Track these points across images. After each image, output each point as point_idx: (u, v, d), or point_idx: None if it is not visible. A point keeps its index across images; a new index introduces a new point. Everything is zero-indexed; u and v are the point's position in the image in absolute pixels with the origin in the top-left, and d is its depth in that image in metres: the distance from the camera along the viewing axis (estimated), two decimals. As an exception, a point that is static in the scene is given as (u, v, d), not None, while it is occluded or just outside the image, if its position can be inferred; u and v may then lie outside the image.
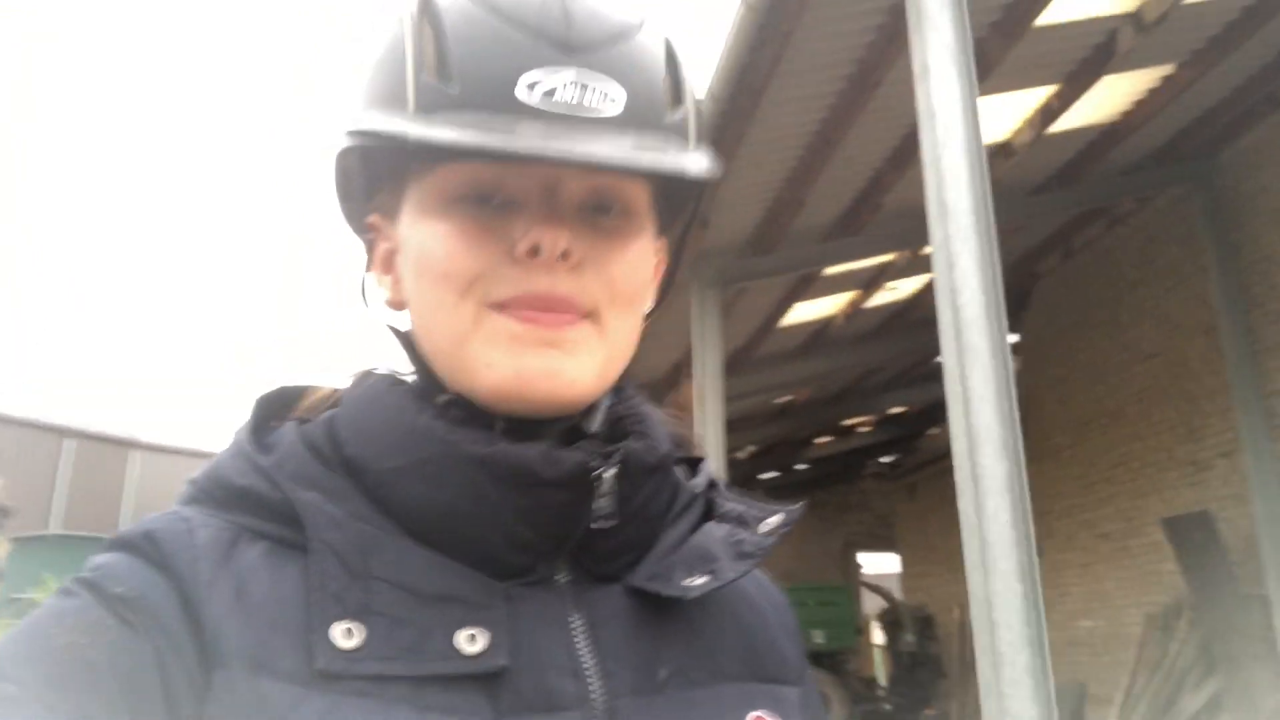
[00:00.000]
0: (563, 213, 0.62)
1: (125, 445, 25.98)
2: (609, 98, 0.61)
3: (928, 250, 3.99)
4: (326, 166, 0.70)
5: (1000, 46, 6.40)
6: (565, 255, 0.61)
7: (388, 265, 0.70)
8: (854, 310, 11.21)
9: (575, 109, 0.59)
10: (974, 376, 3.84)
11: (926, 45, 4.22)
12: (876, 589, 16.86)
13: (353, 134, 0.64)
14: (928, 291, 11.17)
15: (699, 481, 0.73)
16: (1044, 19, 6.28)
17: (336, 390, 0.71)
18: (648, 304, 0.71)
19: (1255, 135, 9.08)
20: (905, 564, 18.78)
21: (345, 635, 0.55)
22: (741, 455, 17.61)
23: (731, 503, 0.73)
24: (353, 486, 0.61)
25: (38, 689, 0.50)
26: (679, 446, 0.74)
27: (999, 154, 8.17)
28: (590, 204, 0.64)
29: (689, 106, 0.67)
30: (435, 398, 0.65)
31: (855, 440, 18.64)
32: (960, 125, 4.08)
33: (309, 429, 0.66)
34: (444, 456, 0.61)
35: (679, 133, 0.64)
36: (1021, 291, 12.59)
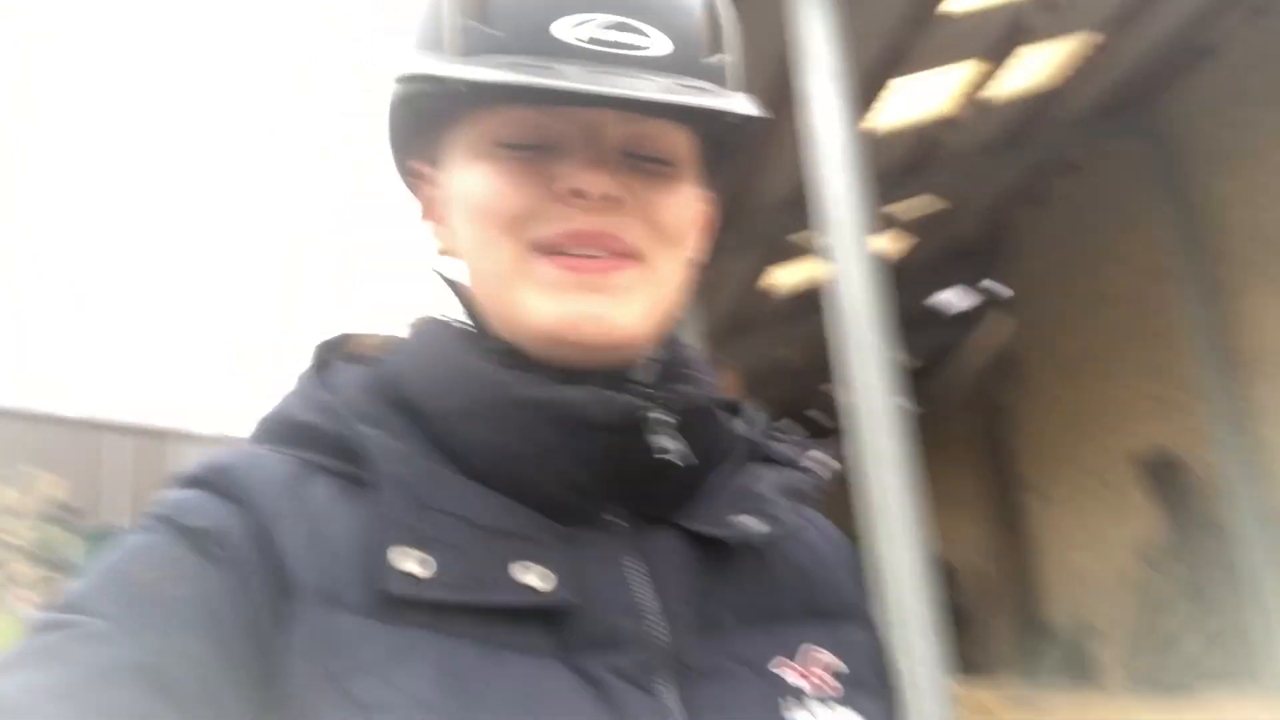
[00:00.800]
0: (605, 156, 0.62)
1: (180, 438, 26.76)
2: (649, 38, 0.61)
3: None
4: (382, 117, 0.71)
5: (913, 33, 6.82)
6: (607, 198, 0.61)
7: (438, 214, 0.70)
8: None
9: (615, 48, 0.60)
10: (868, 383, 4.35)
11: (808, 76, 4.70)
12: None
13: (399, 79, 0.65)
14: (899, 246, 11.62)
15: (740, 424, 0.73)
16: (950, 6, 6.67)
17: (396, 337, 0.71)
18: (694, 253, 0.70)
19: (1188, 85, 9.38)
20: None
21: (413, 563, 0.56)
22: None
23: (777, 444, 0.73)
24: (412, 425, 0.62)
25: (126, 623, 0.51)
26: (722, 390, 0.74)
27: (944, 125, 8.57)
28: (632, 148, 0.64)
29: (728, 54, 0.67)
30: (486, 343, 0.65)
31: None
32: (839, 149, 4.56)
33: (369, 370, 0.67)
34: (497, 399, 0.61)
35: (717, 78, 0.64)
36: (997, 240, 12.96)
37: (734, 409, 0.73)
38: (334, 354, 0.69)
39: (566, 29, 0.60)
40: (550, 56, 0.59)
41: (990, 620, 14.69)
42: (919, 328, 15.50)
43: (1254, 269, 9.07)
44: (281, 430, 0.64)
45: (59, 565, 18.58)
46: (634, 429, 0.61)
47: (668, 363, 0.69)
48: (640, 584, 0.61)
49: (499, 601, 0.56)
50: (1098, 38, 7.92)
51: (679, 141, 0.66)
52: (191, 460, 0.62)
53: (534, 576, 0.57)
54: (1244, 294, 9.21)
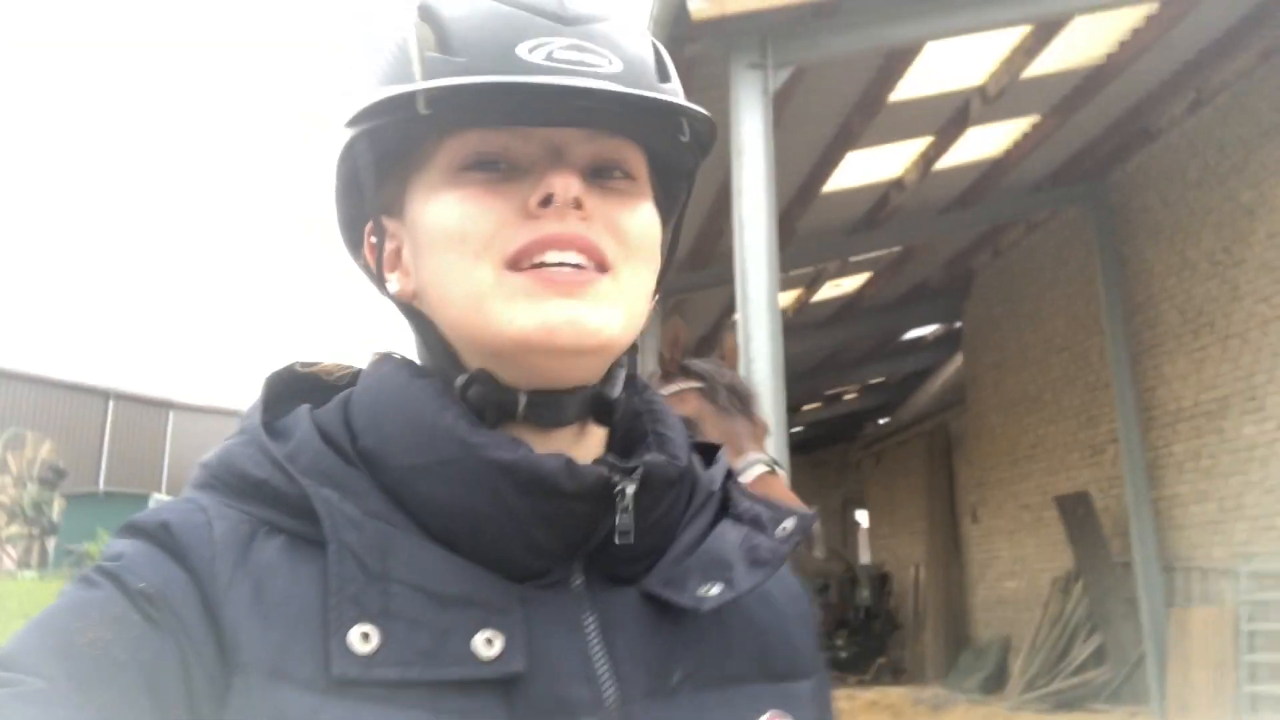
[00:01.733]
0: (571, 169, 0.63)
1: (164, 406, 27.54)
2: (605, 59, 0.62)
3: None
4: (329, 177, 0.69)
5: (865, 117, 7.76)
6: (578, 204, 0.61)
7: (395, 263, 0.69)
8: (802, 305, 12.64)
9: (576, 65, 0.61)
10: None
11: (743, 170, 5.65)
12: (836, 553, 18.51)
13: (362, 113, 0.63)
14: (869, 285, 12.60)
15: (715, 474, 0.72)
16: (898, 96, 7.62)
17: (349, 369, 0.69)
18: (658, 271, 0.70)
19: (1136, 162, 10.33)
20: (872, 525, 20.43)
21: (362, 640, 0.55)
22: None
23: (747, 502, 0.72)
24: (368, 480, 0.61)
25: (65, 685, 0.49)
26: (694, 435, 0.73)
27: (899, 188, 9.53)
28: (595, 168, 0.65)
29: (676, 85, 0.68)
30: (454, 379, 0.64)
31: (841, 407, 20.14)
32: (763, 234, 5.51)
33: (323, 415, 0.65)
34: (465, 459, 0.60)
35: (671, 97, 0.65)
36: (961, 284, 13.94)
37: (707, 453, 0.73)
38: (283, 390, 0.67)
39: (527, 51, 0.60)
40: (514, 74, 0.59)
41: (921, 629, 15.74)
42: (891, 357, 16.57)
43: (1173, 335, 10.03)
44: (231, 482, 0.61)
45: (41, 524, 19.53)
46: (605, 499, 0.61)
47: (637, 410, 0.70)
48: (597, 647, 0.60)
49: (448, 676, 0.55)
50: (1042, 121, 8.86)
51: (638, 162, 0.67)
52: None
53: (488, 645, 0.56)
54: (1163, 356, 10.17)
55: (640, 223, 0.66)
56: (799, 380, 16.86)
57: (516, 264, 0.62)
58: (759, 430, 2.18)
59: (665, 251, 0.72)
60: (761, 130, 5.67)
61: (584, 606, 0.62)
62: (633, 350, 0.70)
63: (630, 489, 0.63)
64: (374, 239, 0.70)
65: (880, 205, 9.86)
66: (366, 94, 0.64)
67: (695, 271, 10.01)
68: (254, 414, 0.65)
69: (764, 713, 0.64)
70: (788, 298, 12.46)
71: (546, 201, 0.61)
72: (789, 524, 0.69)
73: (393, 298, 0.69)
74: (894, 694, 11.54)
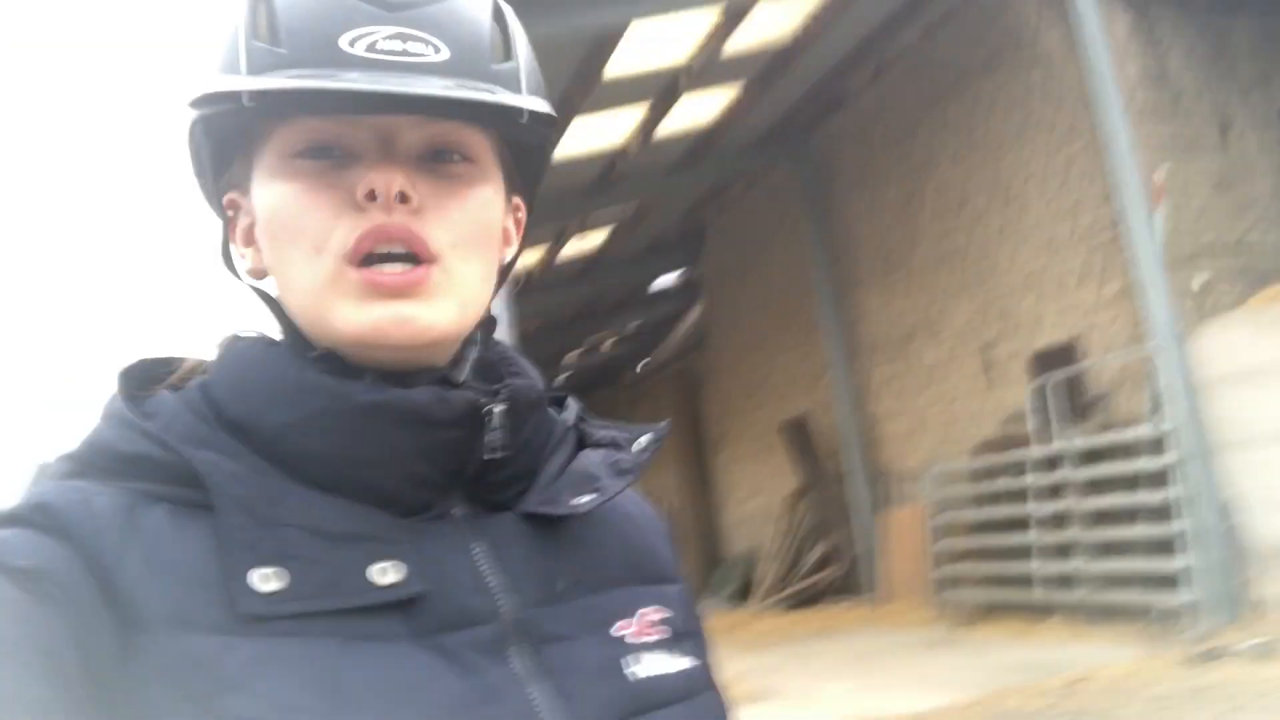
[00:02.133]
0: (398, 159, 0.63)
1: None
2: (432, 47, 0.61)
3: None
4: (183, 149, 0.70)
5: (585, 89, 8.45)
6: (403, 198, 0.62)
7: (249, 238, 0.69)
8: (548, 262, 13.34)
9: (399, 56, 0.60)
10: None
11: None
12: None
13: (193, 103, 0.64)
14: (611, 241, 13.44)
15: (568, 415, 0.76)
16: (611, 74, 8.34)
17: (202, 360, 0.70)
18: (501, 253, 0.71)
19: (832, 125, 11.69)
20: None
21: (264, 580, 0.56)
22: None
23: (602, 429, 0.77)
24: (242, 445, 0.61)
25: None
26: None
27: (619, 155, 10.35)
28: (430, 153, 0.64)
29: (520, 60, 0.67)
30: (307, 354, 0.65)
31: (601, 356, 21.20)
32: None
33: (185, 395, 0.65)
34: (336, 408, 0.61)
35: (506, 82, 0.64)
36: (696, 236, 15.16)
37: (559, 402, 0.76)
38: (138, 382, 0.67)
39: (349, 43, 0.60)
40: (334, 67, 0.59)
41: (681, 553, 17.13)
42: (638, 307, 17.64)
43: (869, 275, 11.50)
44: (101, 463, 0.61)
45: None
46: (474, 424, 0.64)
47: (491, 360, 0.72)
48: (487, 565, 0.63)
49: (351, 604, 0.57)
50: (745, 91, 9.89)
51: (476, 143, 0.66)
52: (9, 497, 0.59)
53: (384, 574, 0.58)
54: (861, 294, 11.65)
55: (472, 211, 0.65)
56: (557, 331, 17.65)
57: (353, 259, 0.62)
58: None
59: (521, 224, 0.75)
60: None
61: (468, 533, 0.65)
62: (489, 325, 0.72)
63: (498, 409, 0.66)
64: (231, 212, 0.71)
65: (609, 169, 10.69)
66: (198, 81, 0.64)
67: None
68: (114, 400, 0.65)
69: (636, 609, 0.69)
70: (532, 256, 13.12)
71: (371, 196, 0.61)
72: (643, 440, 0.75)
73: (240, 275, 0.71)
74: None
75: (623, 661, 0.66)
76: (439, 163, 0.65)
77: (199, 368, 0.69)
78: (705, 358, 16.38)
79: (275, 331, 0.69)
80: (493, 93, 0.62)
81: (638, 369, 21.43)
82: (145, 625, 0.55)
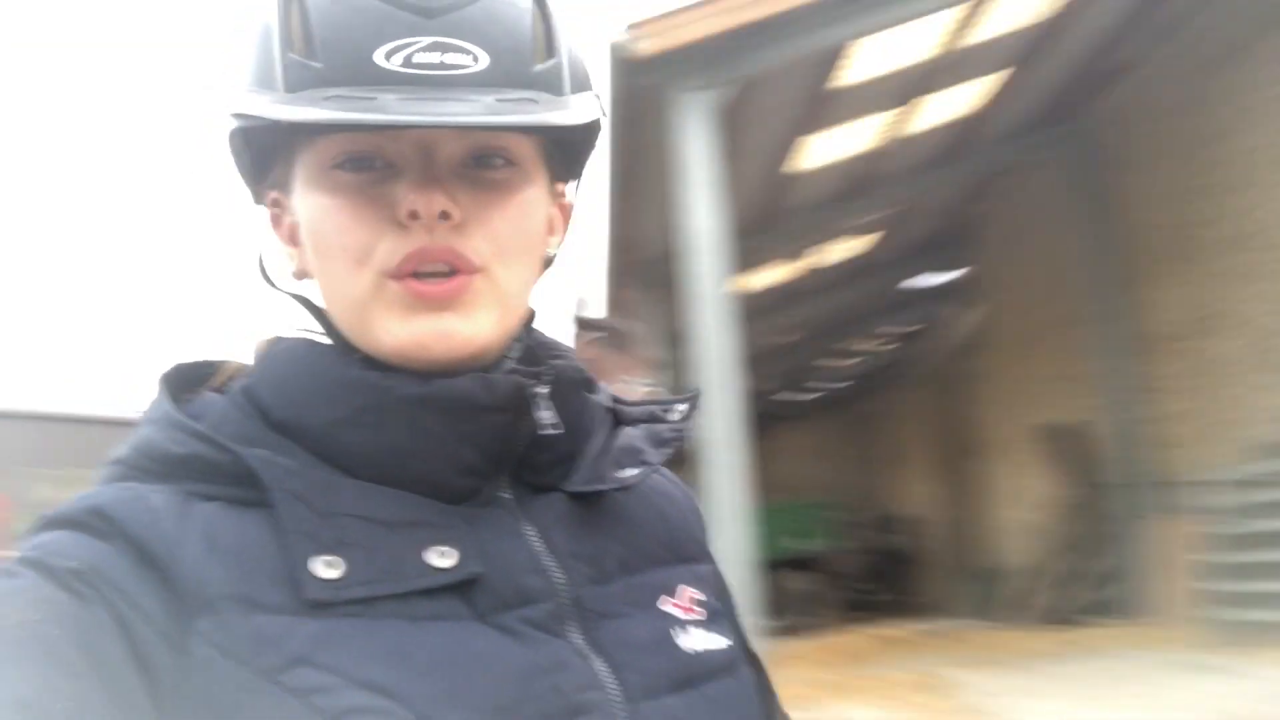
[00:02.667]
0: (439, 174, 0.63)
1: None
2: (469, 56, 0.61)
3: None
4: (223, 147, 0.70)
5: (818, 104, 8.51)
6: (445, 215, 0.62)
7: (294, 238, 0.70)
8: (807, 272, 13.43)
9: (437, 69, 0.60)
10: (721, 408, 6.18)
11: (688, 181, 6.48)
12: (863, 503, 19.72)
13: (232, 116, 0.65)
14: (876, 245, 13.29)
15: (602, 397, 0.77)
16: (844, 82, 8.34)
17: (241, 363, 0.71)
18: (547, 249, 0.72)
19: (1105, 103, 10.83)
20: (888, 469, 21.45)
21: (326, 567, 0.57)
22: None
23: (637, 407, 0.78)
24: (291, 443, 0.63)
25: (2, 662, 0.50)
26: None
27: (870, 158, 10.24)
28: (472, 159, 0.65)
29: (562, 54, 0.66)
30: (352, 354, 0.66)
31: (863, 364, 20.97)
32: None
33: (230, 397, 0.66)
34: (382, 402, 0.62)
35: (549, 84, 0.64)
36: (959, 235, 14.61)
37: (590, 384, 0.75)
38: (181, 386, 0.68)
39: (385, 56, 0.59)
40: (371, 85, 0.59)
41: (931, 565, 16.54)
42: (897, 311, 17.25)
43: (1158, 263, 10.51)
44: (152, 466, 0.62)
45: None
46: (521, 406, 0.65)
47: (530, 345, 0.73)
48: (537, 546, 0.65)
49: (413, 587, 0.59)
50: (1010, 75, 9.44)
51: (520, 145, 0.66)
52: (63, 500, 0.61)
53: (441, 556, 0.60)
54: (1149, 285, 10.65)
55: (514, 218, 0.66)
56: (817, 338, 17.60)
57: (395, 274, 0.62)
58: (634, 363, 3.06)
59: (568, 211, 0.76)
60: (706, 149, 6.47)
61: (517, 516, 0.66)
62: (529, 319, 0.74)
63: (543, 390, 0.67)
64: (276, 210, 0.72)
65: (859, 176, 10.57)
66: (234, 94, 0.65)
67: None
68: (160, 404, 0.66)
69: (677, 587, 0.71)
70: (783, 271, 13.25)
71: (414, 216, 0.62)
72: (680, 407, 0.77)
73: (275, 282, 0.72)
74: (909, 628, 12.40)
75: (672, 632, 0.68)
76: (481, 169, 0.65)
77: (239, 370, 0.70)
78: (966, 360, 15.72)
79: (314, 332, 0.71)
80: (535, 101, 0.62)
81: (897, 374, 20.89)
82: (211, 606, 0.56)
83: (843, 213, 11.32)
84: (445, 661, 0.57)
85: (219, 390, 0.69)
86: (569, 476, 0.70)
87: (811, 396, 22.75)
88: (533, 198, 0.68)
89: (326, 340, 0.69)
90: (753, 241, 11.01)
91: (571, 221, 0.77)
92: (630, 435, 0.75)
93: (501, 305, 0.66)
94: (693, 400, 0.78)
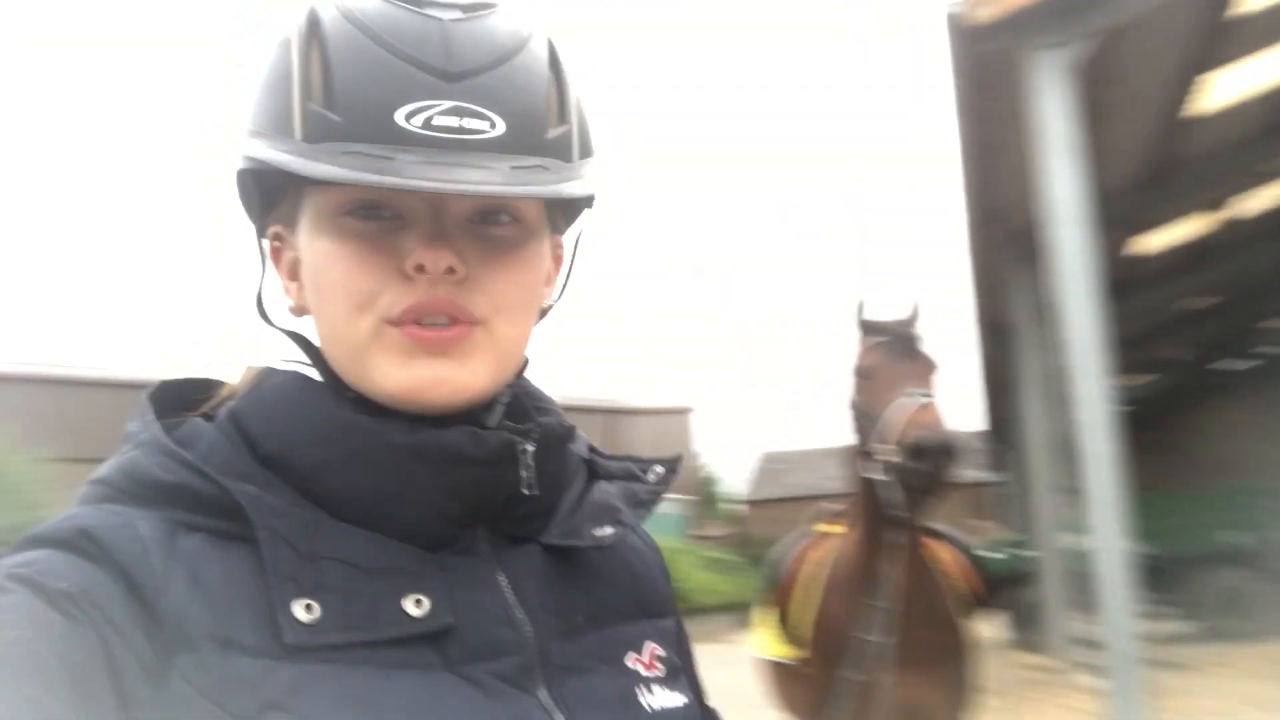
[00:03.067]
0: (448, 230, 0.65)
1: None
2: (487, 122, 0.62)
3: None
4: (229, 179, 0.71)
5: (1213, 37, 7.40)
6: (450, 271, 0.64)
7: (294, 273, 0.71)
8: (1225, 223, 11.70)
9: (455, 133, 0.61)
10: (1087, 394, 5.66)
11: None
12: None
13: (246, 159, 0.66)
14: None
15: (579, 447, 0.78)
16: (1242, 9, 7.17)
17: (231, 387, 0.72)
18: (544, 301, 0.74)
19: None
20: None
21: (305, 610, 0.58)
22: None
23: (614, 461, 0.79)
24: (278, 478, 0.63)
25: None
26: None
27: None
28: (479, 215, 0.67)
29: (573, 121, 0.68)
30: (344, 394, 0.67)
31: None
32: None
33: (220, 425, 0.67)
34: (373, 447, 0.63)
35: (559, 151, 0.66)
36: None
37: (571, 436, 0.77)
38: (169, 406, 0.69)
39: (406, 117, 0.60)
40: (390, 145, 0.60)
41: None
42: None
43: None
44: (139, 491, 0.62)
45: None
46: (508, 462, 0.67)
47: (518, 395, 0.75)
48: (509, 597, 0.66)
49: (386, 635, 0.60)
50: None
51: (526, 204, 0.69)
52: (50, 519, 0.60)
53: (417, 605, 0.61)
54: None
55: (517, 275, 0.68)
56: (1244, 300, 15.16)
57: (395, 321, 0.64)
58: (923, 370, 2.63)
59: (561, 262, 0.78)
60: (1063, 110, 5.93)
61: (493, 566, 0.67)
62: (521, 369, 0.76)
63: (530, 448, 0.68)
64: (277, 243, 0.73)
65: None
66: (250, 138, 0.66)
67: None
68: (149, 427, 0.65)
69: (643, 643, 0.72)
70: (1194, 226, 11.64)
71: (420, 269, 0.63)
72: (658, 469, 0.78)
73: (271, 320, 0.73)
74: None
75: (637, 691, 0.69)
76: (486, 225, 0.67)
77: (228, 394, 0.71)
78: None
79: (306, 367, 0.72)
80: (546, 169, 0.64)
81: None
82: (191, 644, 0.56)
83: (1263, 155, 9.72)
84: (414, 713, 0.58)
85: (207, 415, 0.70)
86: (545, 529, 0.71)
87: (1249, 365, 19.74)
88: (535, 254, 0.70)
89: (318, 378, 0.70)
90: (1146, 198, 9.88)
91: (564, 270, 0.79)
92: (606, 491, 0.76)
93: (498, 356, 0.68)
94: (671, 464, 0.79)
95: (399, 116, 0.61)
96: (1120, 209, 9.90)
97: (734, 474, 37.53)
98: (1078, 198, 5.85)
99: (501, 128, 0.63)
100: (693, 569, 21.94)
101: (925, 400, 2.50)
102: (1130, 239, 11.26)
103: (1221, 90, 8.35)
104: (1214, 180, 10.15)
